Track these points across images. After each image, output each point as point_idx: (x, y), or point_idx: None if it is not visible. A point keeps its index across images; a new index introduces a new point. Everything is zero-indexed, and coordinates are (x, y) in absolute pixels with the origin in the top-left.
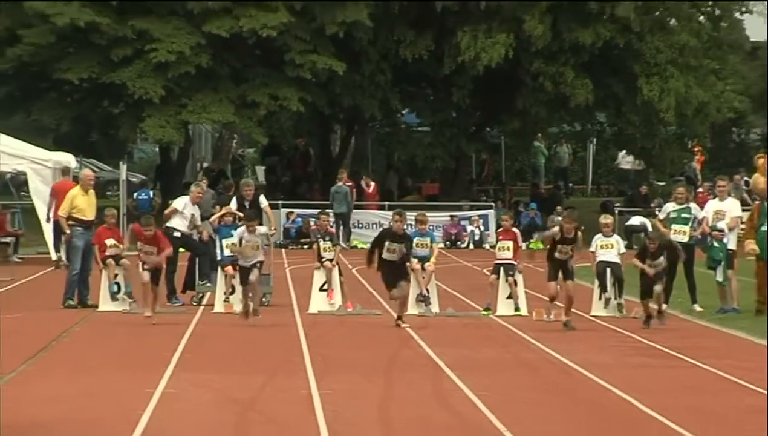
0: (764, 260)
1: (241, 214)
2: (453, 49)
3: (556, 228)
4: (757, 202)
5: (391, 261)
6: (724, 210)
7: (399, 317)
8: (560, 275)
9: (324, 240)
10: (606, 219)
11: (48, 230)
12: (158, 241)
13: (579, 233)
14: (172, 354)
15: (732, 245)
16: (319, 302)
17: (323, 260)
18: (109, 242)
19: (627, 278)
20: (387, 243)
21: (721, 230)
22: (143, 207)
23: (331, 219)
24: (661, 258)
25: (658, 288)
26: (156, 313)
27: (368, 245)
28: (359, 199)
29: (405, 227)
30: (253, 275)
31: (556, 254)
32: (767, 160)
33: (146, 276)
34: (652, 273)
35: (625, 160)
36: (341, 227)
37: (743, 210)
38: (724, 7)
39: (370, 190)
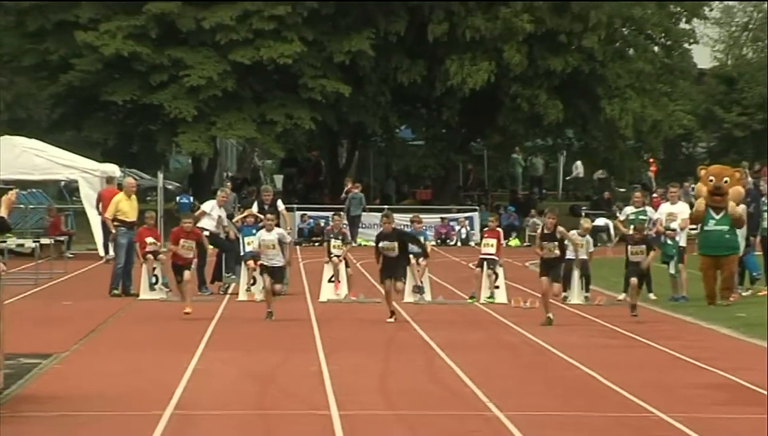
0: (707, 257)
1: (262, 216)
2: (443, 74)
3: (539, 222)
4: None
5: (389, 257)
6: (676, 212)
7: (393, 312)
8: (550, 274)
9: (336, 239)
10: (586, 223)
11: (97, 230)
12: (196, 235)
13: (562, 230)
14: (203, 336)
15: (683, 242)
16: (327, 292)
17: (332, 255)
18: (149, 239)
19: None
20: (382, 243)
21: (674, 230)
22: (184, 209)
23: (345, 221)
24: (643, 246)
25: (634, 281)
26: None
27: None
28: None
29: (394, 226)
30: (278, 286)
31: (543, 253)
32: (707, 172)
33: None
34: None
35: (578, 170)
36: (355, 228)
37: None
38: (675, 39)
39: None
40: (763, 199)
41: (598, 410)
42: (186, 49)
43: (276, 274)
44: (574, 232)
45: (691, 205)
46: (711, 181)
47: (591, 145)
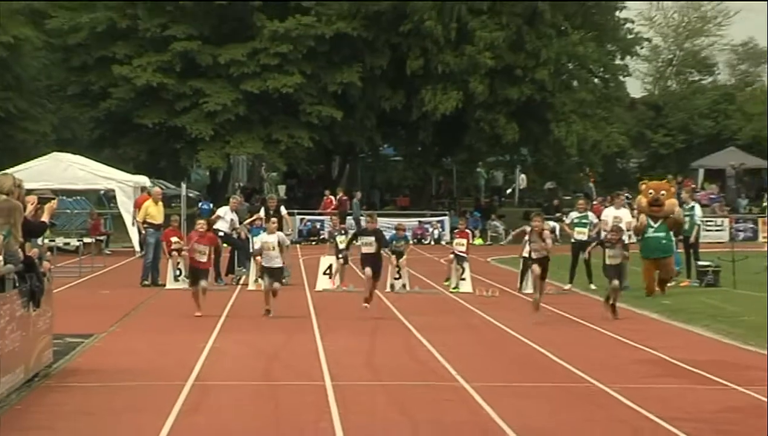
0: (648, 259)
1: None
2: (418, 102)
3: (527, 227)
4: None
5: (367, 253)
6: (620, 216)
7: (367, 299)
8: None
9: (340, 235)
10: (547, 226)
11: (132, 230)
12: (209, 239)
13: (547, 232)
14: (218, 319)
15: (626, 240)
16: (323, 282)
17: (340, 250)
18: (174, 239)
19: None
20: (362, 238)
21: (623, 231)
22: (204, 214)
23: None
24: (618, 249)
25: (615, 283)
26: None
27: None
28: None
29: (377, 226)
30: (276, 284)
31: (532, 254)
32: (647, 186)
33: (204, 282)
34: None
35: (522, 181)
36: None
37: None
38: (611, 72)
39: (333, 202)
40: (684, 205)
41: (548, 381)
42: (204, 81)
43: (275, 274)
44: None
45: (633, 209)
46: (650, 194)
47: (542, 160)
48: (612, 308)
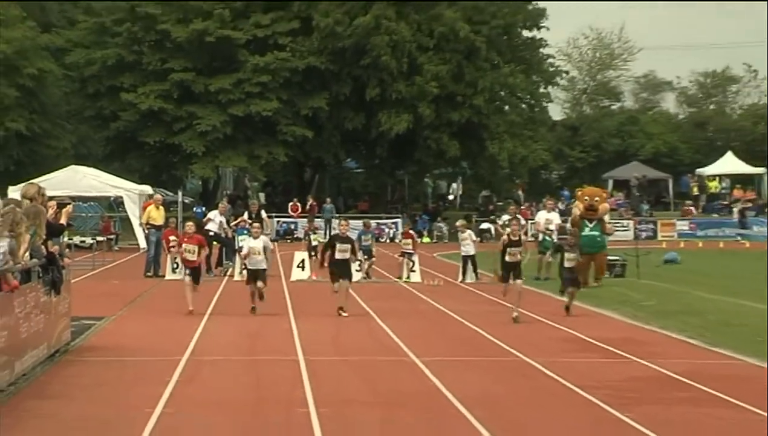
0: (586, 254)
1: (250, 222)
2: (376, 123)
3: (505, 236)
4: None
5: (341, 259)
6: (551, 218)
7: (341, 308)
8: (511, 275)
9: (314, 233)
10: (469, 224)
11: (138, 231)
12: (197, 240)
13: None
14: (209, 305)
15: (555, 238)
16: (297, 274)
17: (313, 246)
18: (172, 238)
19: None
20: (338, 245)
21: (551, 230)
22: (198, 217)
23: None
24: (577, 253)
25: (571, 290)
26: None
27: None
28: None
29: (348, 230)
30: (260, 283)
31: (507, 258)
32: (583, 193)
33: (188, 279)
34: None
35: (458, 190)
36: (329, 227)
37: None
38: (536, 99)
39: (298, 208)
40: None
41: (482, 355)
42: (198, 106)
43: (260, 274)
44: (465, 233)
45: (561, 213)
46: (586, 199)
47: (479, 172)
48: (571, 297)
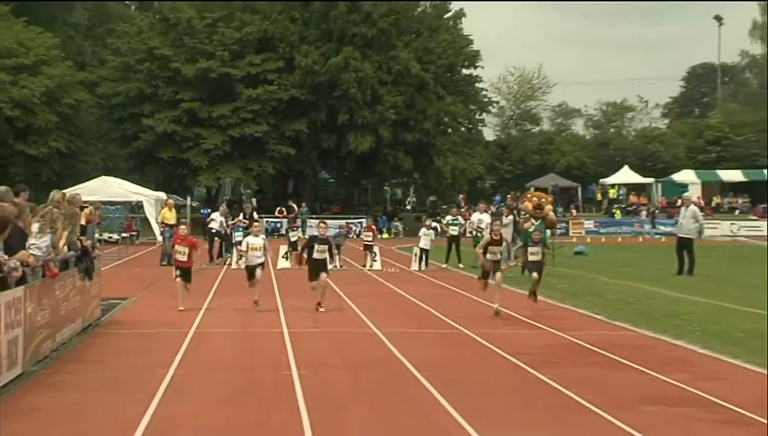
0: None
1: (246, 222)
2: (346, 142)
3: (487, 236)
4: (525, 216)
5: (318, 259)
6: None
7: (319, 303)
8: (491, 272)
9: (293, 231)
10: (431, 224)
11: (155, 228)
12: (189, 242)
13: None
14: (211, 289)
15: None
16: (282, 263)
17: (293, 243)
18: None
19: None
20: (317, 246)
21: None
22: (204, 217)
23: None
24: (538, 248)
25: (535, 275)
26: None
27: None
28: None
29: (327, 232)
30: (258, 275)
31: (488, 255)
32: (531, 195)
33: (179, 279)
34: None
35: (410, 199)
36: (305, 227)
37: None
38: (473, 123)
39: (283, 211)
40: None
41: (431, 328)
42: (203, 128)
43: (257, 268)
44: (422, 230)
45: (493, 215)
46: (534, 200)
47: (428, 182)
48: (533, 294)
